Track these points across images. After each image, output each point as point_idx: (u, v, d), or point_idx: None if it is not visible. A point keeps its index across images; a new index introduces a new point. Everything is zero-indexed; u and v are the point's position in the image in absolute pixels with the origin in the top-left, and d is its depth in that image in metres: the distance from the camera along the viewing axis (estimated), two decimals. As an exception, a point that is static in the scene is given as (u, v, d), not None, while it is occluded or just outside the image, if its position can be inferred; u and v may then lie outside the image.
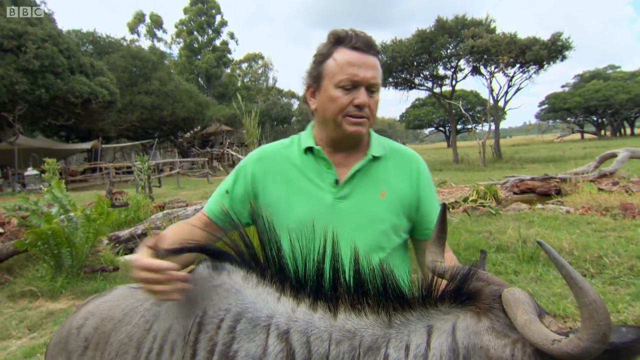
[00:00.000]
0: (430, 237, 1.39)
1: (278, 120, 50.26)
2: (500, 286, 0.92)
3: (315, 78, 1.29)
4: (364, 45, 1.25)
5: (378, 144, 1.39)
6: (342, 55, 1.24)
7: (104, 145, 30.35)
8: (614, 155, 12.57)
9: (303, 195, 1.31)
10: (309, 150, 1.35)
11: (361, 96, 1.23)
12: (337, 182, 1.32)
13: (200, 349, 1.01)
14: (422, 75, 29.52)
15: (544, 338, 0.76)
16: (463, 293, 0.92)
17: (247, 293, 1.05)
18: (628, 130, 66.71)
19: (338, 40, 1.27)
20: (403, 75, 29.14)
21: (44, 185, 5.28)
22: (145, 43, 52.32)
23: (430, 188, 1.43)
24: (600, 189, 9.72)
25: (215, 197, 1.40)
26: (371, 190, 1.32)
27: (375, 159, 1.35)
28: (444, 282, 0.96)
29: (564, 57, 25.92)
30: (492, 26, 27.40)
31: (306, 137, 1.38)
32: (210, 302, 1.07)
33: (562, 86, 64.44)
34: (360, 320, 0.95)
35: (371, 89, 1.26)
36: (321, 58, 1.29)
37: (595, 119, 62.36)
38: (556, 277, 4.46)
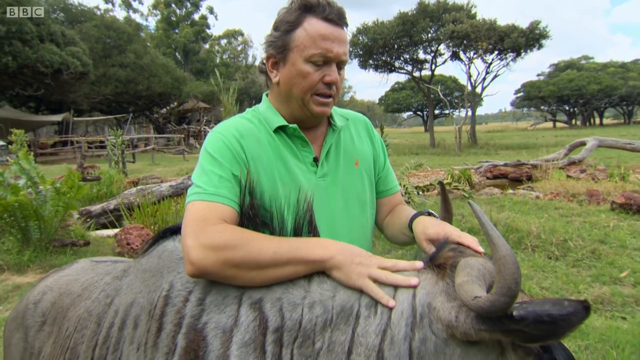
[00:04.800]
0: (384, 194, 1.42)
1: (257, 99, 48.71)
2: (470, 256, 0.93)
3: (281, 48, 1.16)
4: (337, 17, 1.14)
5: (337, 114, 1.33)
6: (314, 26, 1.12)
7: (75, 118, 29.37)
8: (583, 144, 12.94)
9: (290, 180, 1.19)
10: (281, 129, 1.22)
11: (333, 73, 1.14)
12: (315, 160, 1.24)
13: (167, 322, 0.98)
14: (402, 58, 29.45)
15: (468, 296, 0.78)
16: (429, 258, 0.95)
17: None
18: (597, 120, 68.67)
19: (308, 7, 1.13)
20: (383, 58, 29.01)
21: (11, 157, 5.09)
22: (120, 14, 50.82)
23: (381, 144, 1.42)
24: (568, 176, 10.02)
25: (222, 186, 1.09)
26: (347, 163, 1.28)
27: (340, 129, 1.30)
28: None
29: (540, 46, 26.15)
30: (472, 12, 27.43)
31: (272, 115, 1.23)
32: (178, 275, 1.04)
33: (538, 75, 65.80)
34: (333, 282, 0.95)
35: (340, 65, 1.17)
36: (288, 27, 1.15)
37: (567, 108, 63.96)
38: (523, 260, 4.58)
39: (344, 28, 1.17)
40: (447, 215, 1.18)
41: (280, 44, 1.16)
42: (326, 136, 1.27)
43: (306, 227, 1.04)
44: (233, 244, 0.96)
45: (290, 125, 1.20)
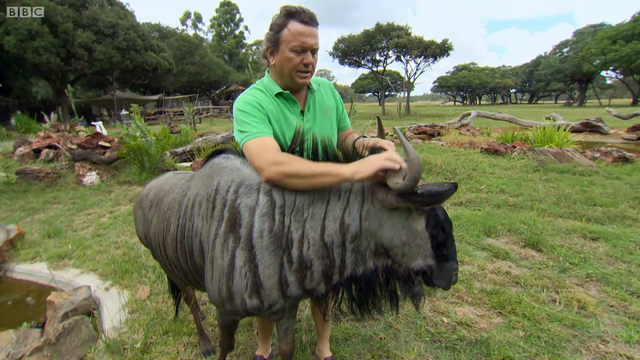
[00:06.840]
0: (342, 129, 1.32)
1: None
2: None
3: (274, 42, 1.06)
4: (310, 19, 1.03)
5: (313, 82, 1.22)
6: (295, 27, 1.02)
7: (166, 97, 28.05)
8: (469, 114, 12.68)
9: (289, 125, 1.12)
10: (279, 94, 1.12)
11: (308, 57, 1.05)
12: (302, 112, 1.15)
13: (217, 204, 0.99)
14: (365, 59, 27.79)
15: (393, 182, 0.81)
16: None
17: (245, 170, 1.02)
18: (478, 101, 67.13)
19: (290, 14, 1.03)
20: (354, 58, 27.40)
21: (132, 120, 5.08)
22: (190, 31, 46.37)
23: (339, 98, 1.31)
24: (460, 133, 9.88)
25: (262, 127, 1.04)
26: (321, 112, 1.21)
27: (315, 91, 1.21)
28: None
29: (448, 54, 25.03)
30: (409, 31, 25.64)
31: (273, 86, 1.12)
32: (222, 177, 1.03)
33: (447, 72, 62.48)
34: None
35: (314, 52, 1.07)
36: (278, 28, 1.04)
37: (462, 93, 62.18)
38: (431, 180, 4.61)
39: (315, 26, 1.05)
40: (381, 136, 1.15)
41: (274, 39, 1.05)
42: (307, 97, 1.18)
43: (299, 148, 0.99)
44: (286, 161, 0.91)
45: (285, 91, 1.12)
